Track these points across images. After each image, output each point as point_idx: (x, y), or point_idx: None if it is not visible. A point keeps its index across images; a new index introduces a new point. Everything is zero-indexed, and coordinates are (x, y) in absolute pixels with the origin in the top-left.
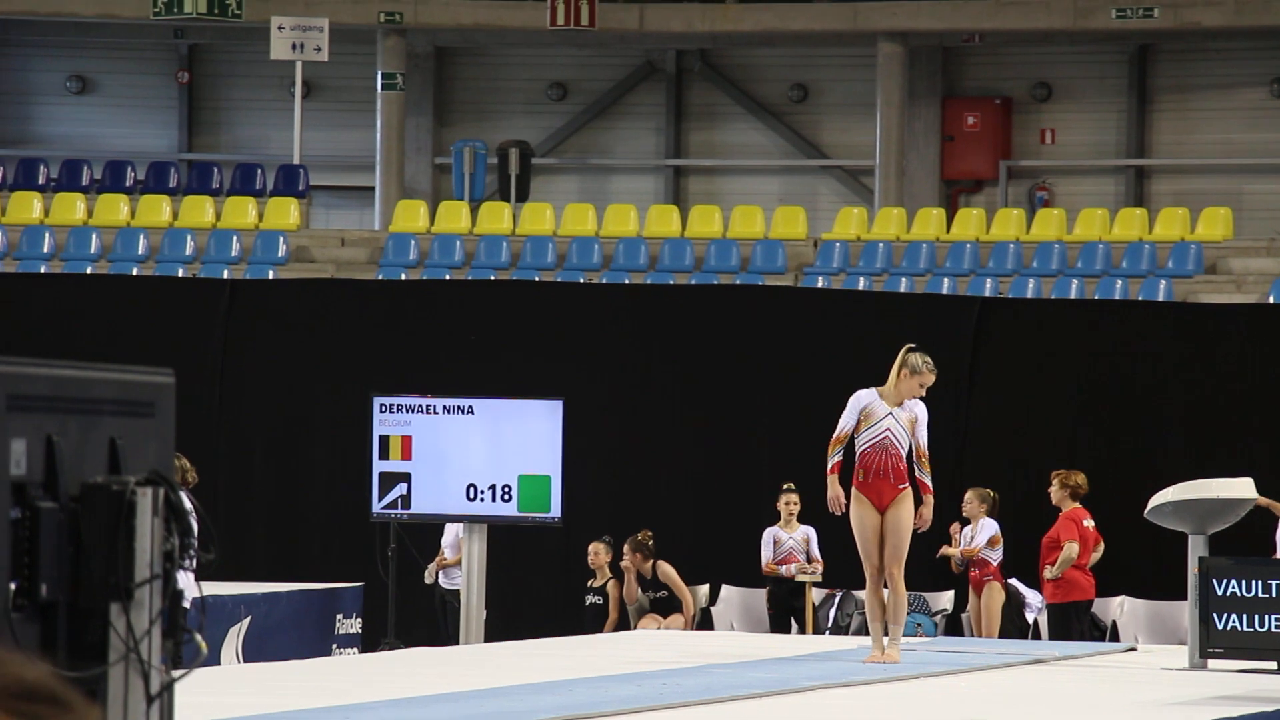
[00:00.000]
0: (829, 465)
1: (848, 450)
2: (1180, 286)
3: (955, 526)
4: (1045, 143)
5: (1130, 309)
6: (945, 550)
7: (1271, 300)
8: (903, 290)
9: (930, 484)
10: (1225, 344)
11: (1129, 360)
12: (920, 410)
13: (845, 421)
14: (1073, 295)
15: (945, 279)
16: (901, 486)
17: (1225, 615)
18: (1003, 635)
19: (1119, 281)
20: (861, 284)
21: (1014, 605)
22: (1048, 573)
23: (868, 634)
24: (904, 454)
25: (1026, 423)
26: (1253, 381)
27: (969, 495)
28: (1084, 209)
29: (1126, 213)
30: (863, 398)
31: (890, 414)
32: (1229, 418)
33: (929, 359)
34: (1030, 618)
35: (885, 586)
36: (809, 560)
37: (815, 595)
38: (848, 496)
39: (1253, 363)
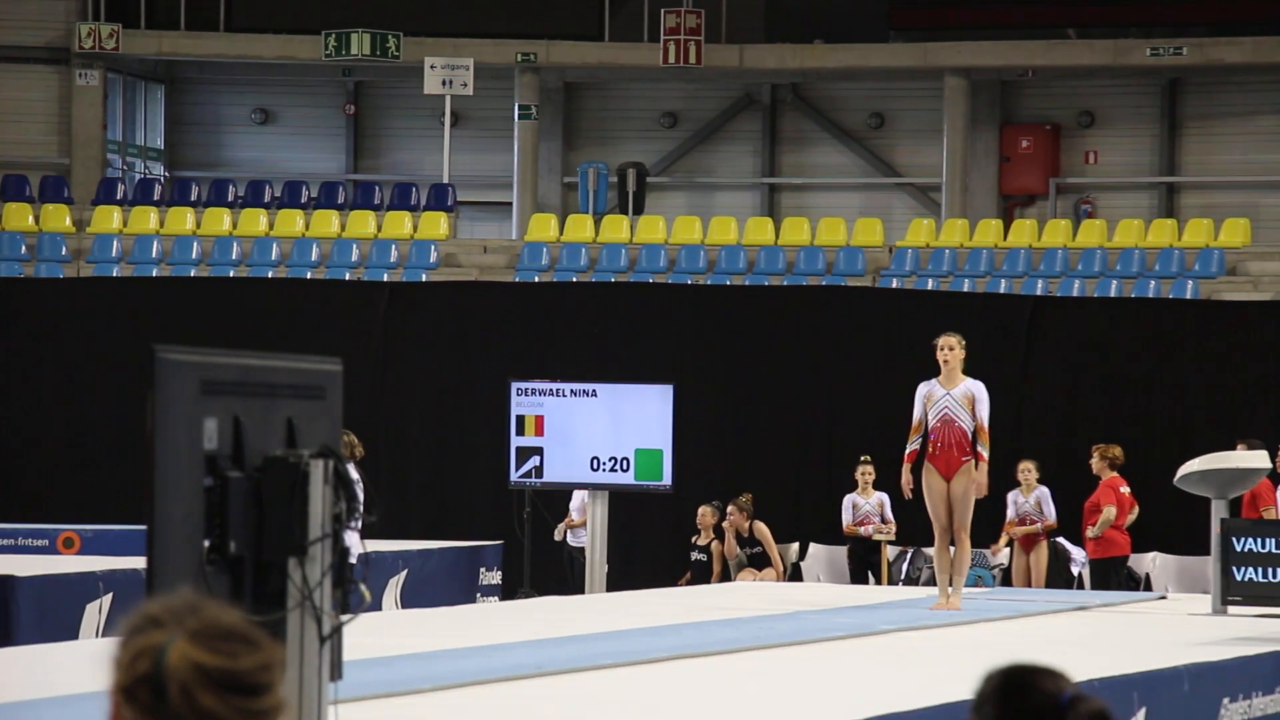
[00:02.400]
0: (906, 452)
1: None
2: (1205, 286)
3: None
4: (1089, 163)
5: (1162, 306)
6: (1012, 530)
7: None
8: (965, 290)
9: (986, 456)
10: (1244, 336)
11: (1160, 349)
12: (978, 390)
13: (916, 413)
14: (1112, 294)
15: (1002, 280)
16: (965, 458)
17: (1243, 568)
18: (1050, 586)
19: (1152, 282)
20: (930, 285)
21: (1060, 560)
22: (1089, 532)
23: (935, 585)
24: (967, 429)
25: (1072, 403)
26: (1267, 368)
27: (1025, 465)
28: (1122, 220)
29: (1159, 223)
30: (923, 388)
31: (947, 394)
32: (1247, 398)
33: (944, 335)
34: (1075, 571)
35: (952, 545)
36: (883, 522)
37: (889, 552)
38: (917, 481)
39: (1267, 352)
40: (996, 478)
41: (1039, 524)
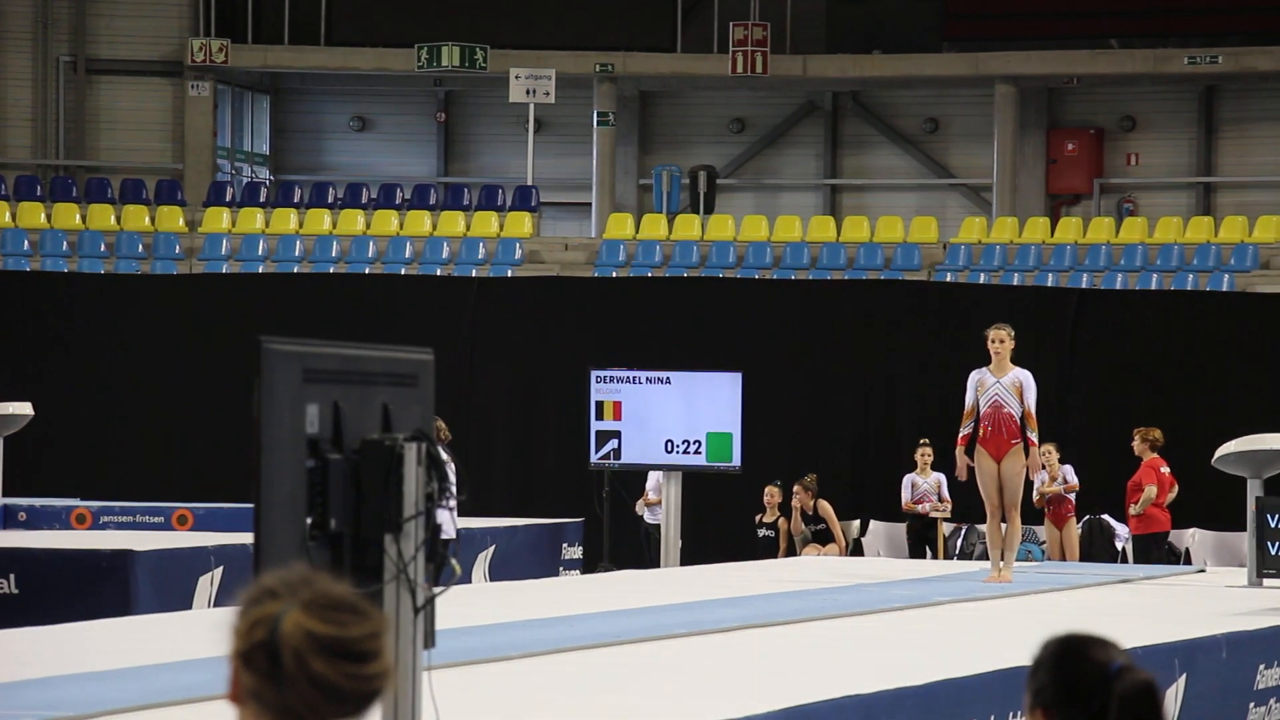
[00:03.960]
0: (959, 435)
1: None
2: (1240, 279)
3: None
4: (1130, 164)
5: (1199, 298)
6: (1041, 489)
7: None
8: (1015, 284)
9: (1036, 440)
10: (1277, 325)
11: (1198, 338)
12: (1025, 379)
13: (969, 399)
14: (1153, 287)
15: (1050, 275)
16: (1014, 441)
17: (1277, 543)
18: (1095, 560)
19: (1190, 276)
20: (982, 279)
21: (1105, 536)
22: (1132, 510)
23: (988, 559)
24: (1015, 415)
25: (1115, 388)
26: None
27: (1045, 449)
28: (1161, 218)
29: (1196, 220)
30: (974, 375)
31: (997, 382)
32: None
33: (995, 326)
34: (1119, 546)
35: (1004, 522)
36: (940, 500)
37: (945, 529)
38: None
39: None
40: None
41: (1063, 487)
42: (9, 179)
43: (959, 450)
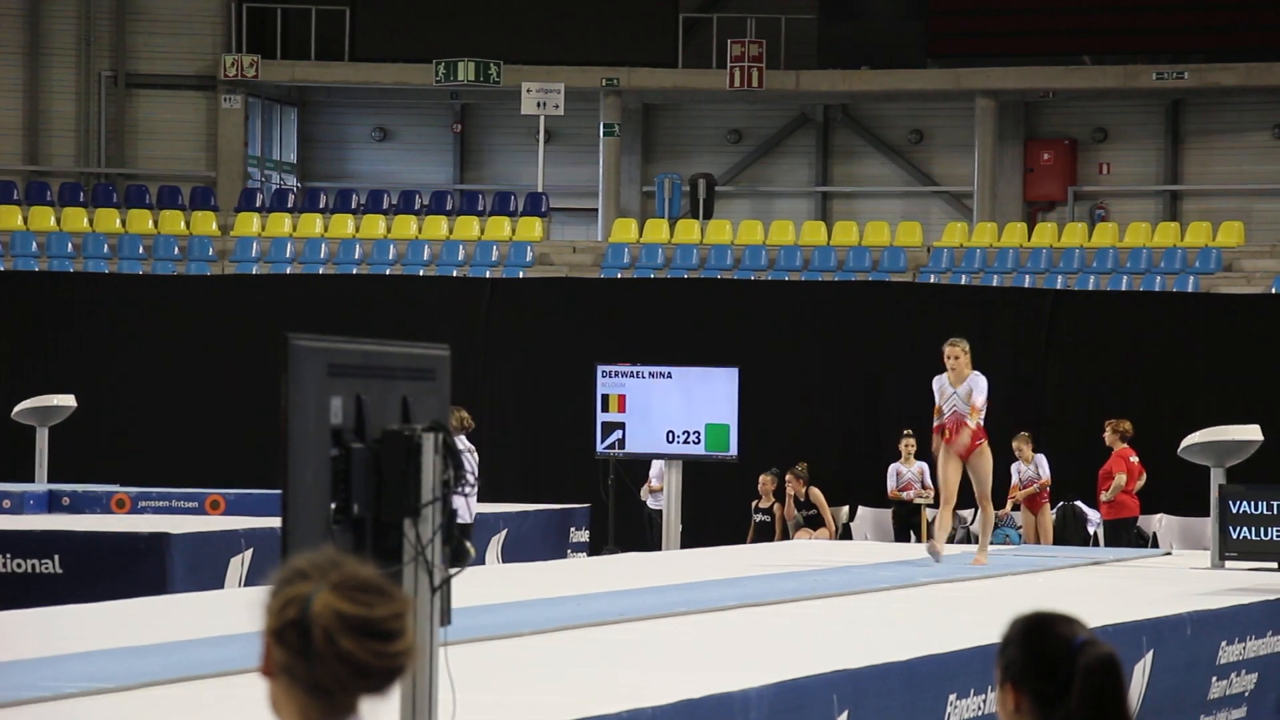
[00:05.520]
0: (934, 426)
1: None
2: (1205, 281)
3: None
4: (1102, 173)
5: (1167, 299)
6: (1016, 494)
7: (1274, 291)
8: (994, 285)
9: (977, 428)
10: (1239, 324)
11: (1166, 336)
12: (975, 384)
13: (937, 398)
14: (1123, 288)
15: (1027, 276)
16: (978, 442)
17: (1239, 528)
18: (1069, 544)
19: (1158, 278)
20: (963, 280)
21: (1078, 521)
22: (1103, 497)
23: (969, 543)
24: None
25: (1088, 383)
26: (1261, 353)
27: (1019, 442)
28: (1131, 223)
29: (1164, 226)
30: (938, 380)
31: (954, 393)
32: (1242, 379)
33: (950, 341)
34: (1091, 530)
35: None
36: (923, 488)
37: (928, 514)
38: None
39: (1260, 338)
40: (1004, 448)
41: (1036, 484)
42: (54, 186)
43: (935, 438)
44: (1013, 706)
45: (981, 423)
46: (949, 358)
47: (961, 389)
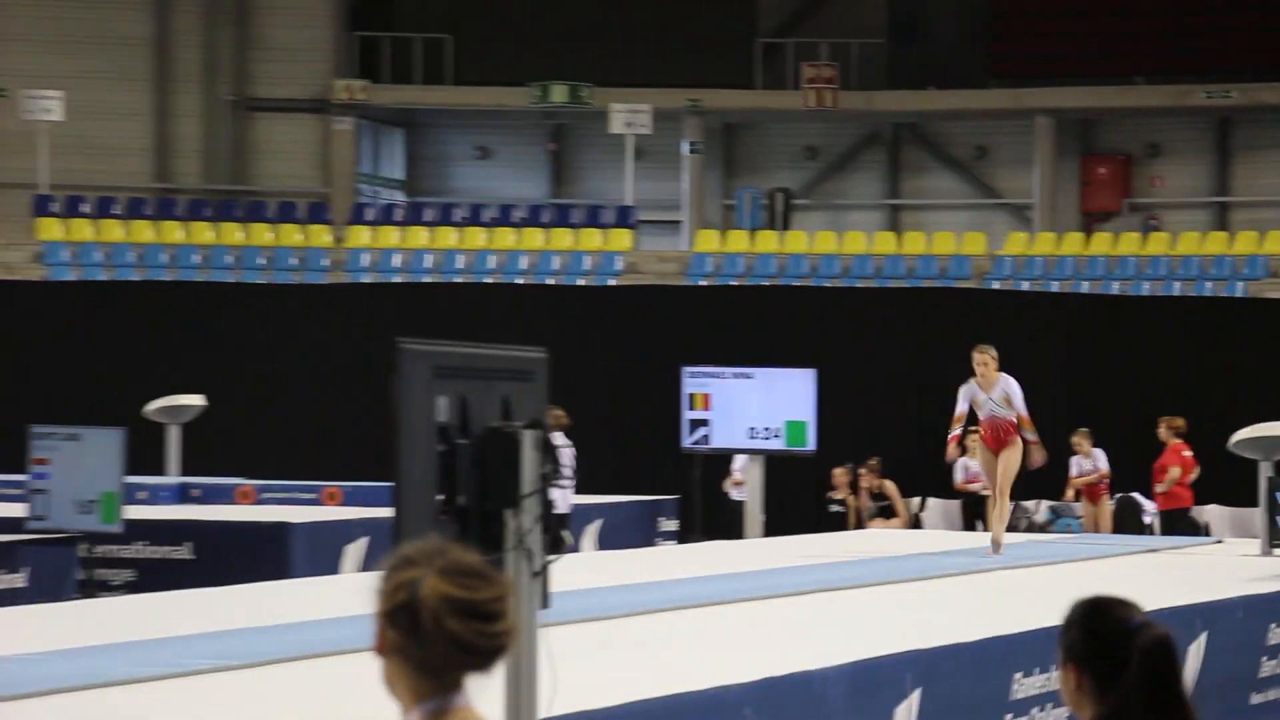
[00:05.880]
0: (949, 437)
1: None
2: (1252, 287)
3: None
4: (1155, 186)
5: (1216, 303)
6: (1075, 484)
7: None
8: (1054, 291)
9: (1036, 438)
10: None
11: (1216, 338)
12: (1011, 388)
13: (959, 407)
14: (1175, 294)
15: (1084, 283)
16: (1010, 440)
17: None
18: (1126, 533)
19: (1208, 284)
20: (1024, 286)
21: (1134, 512)
22: (1158, 489)
23: (1033, 533)
24: (1011, 420)
25: (1143, 382)
26: None
27: (1078, 437)
28: (1183, 233)
29: (1213, 235)
30: (965, 389)
31: (989, 398)
32: None
33: (979, 348)
34: (1146, 521)
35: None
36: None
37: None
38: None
39: None
40: (1064, 445)
41: (1096, 475)
42: (182, 202)
43: (950, 447)
44: (1074, 685)
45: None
46: (979, 364)
47: (996, 393)
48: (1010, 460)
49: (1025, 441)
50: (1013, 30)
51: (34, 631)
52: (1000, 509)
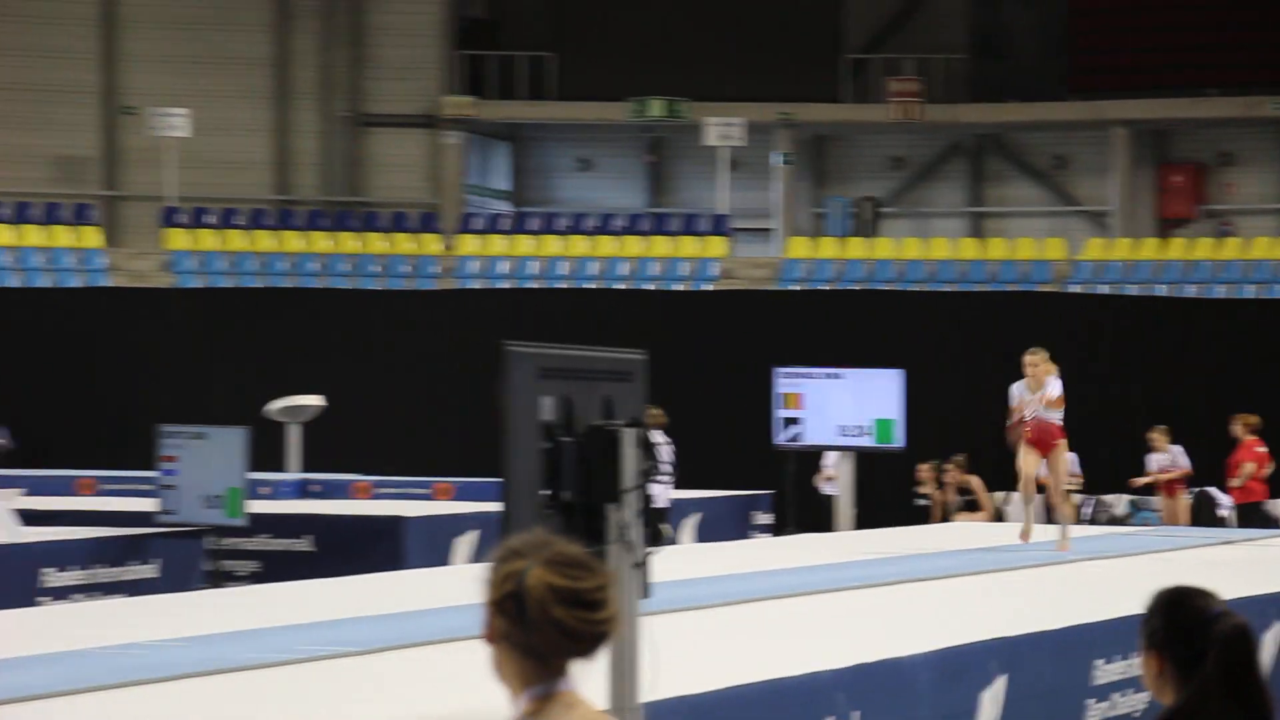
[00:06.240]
0: (1009, 425)
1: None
2: None
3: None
4: (1228, 193)
5: None
6: (1154, 478)
7: None
8: (1131, 294)
9: (1059, 427)
10: None
11: None
12: (1053, 387)
13: (1013, 402)
14: (1249, 296)
15: (1160, 286)
16: (1056, 442)
17: None
18: (1203, 526)
19: (1278, 287)
20: (1102, 290)
21: (1211, 505)
22: (1233, 483)
23: (1113, 526)
24: (1056, 422)
25: (1219, 380)
26: None
27: (1155, 434)
28: (1256, 238)
29: None
30: (1015, 389)
31: (1035, 398)
32: None
33: (1030, 350)
34: (1222, 514)
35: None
36: (1071, 476)
37: (1076, 499)
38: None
39: None
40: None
41: (1176, 471)
42: (300, 213)
43: (1009, 436)
44: (1156, 671)
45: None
46: (1028, 365)
47: (1041, 393)
48: (1059, 463)
49: (1050, 428)
50: (1090, 45)
51: (165, 620)
52: (1061, 510)
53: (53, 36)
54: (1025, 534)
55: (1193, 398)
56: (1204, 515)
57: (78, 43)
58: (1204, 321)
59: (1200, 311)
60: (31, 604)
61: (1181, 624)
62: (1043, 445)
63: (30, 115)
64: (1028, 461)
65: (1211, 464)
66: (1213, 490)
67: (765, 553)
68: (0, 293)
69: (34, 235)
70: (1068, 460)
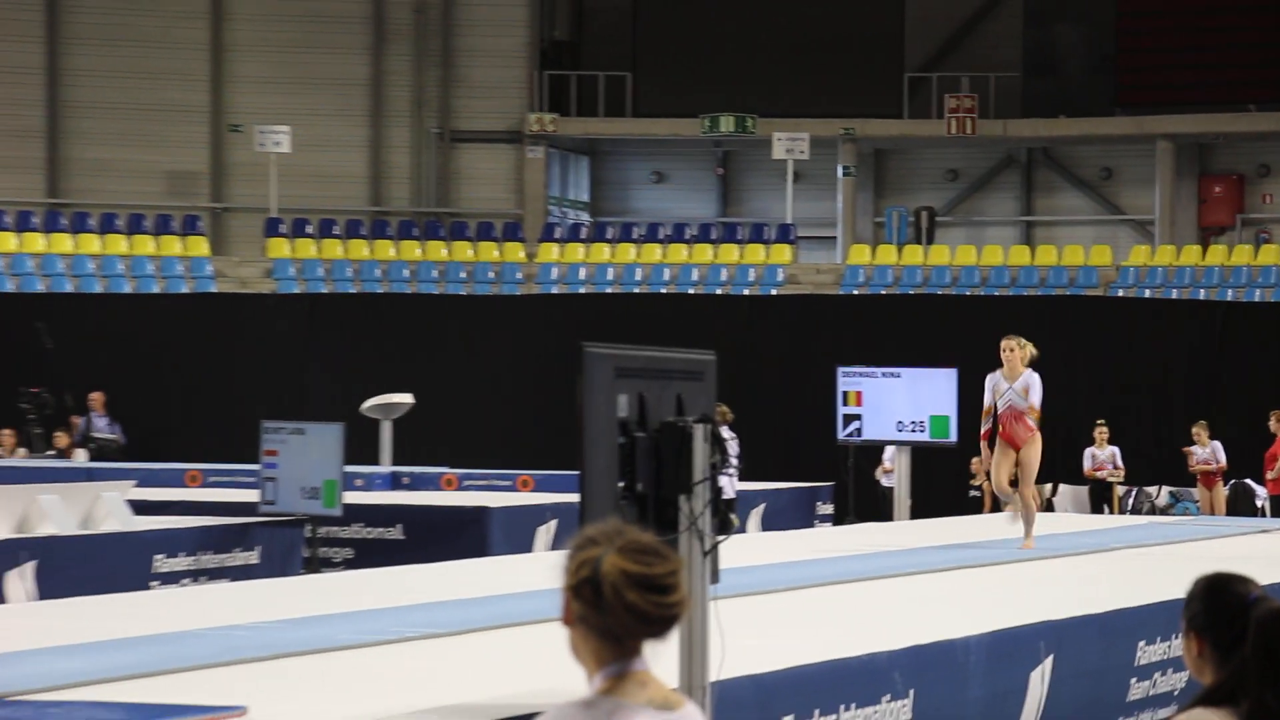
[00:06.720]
0: (981, 432)
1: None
2: None
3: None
4: (1266, 203)
5: None
6: (1196, 468)
7: None
8: (1173, 298)
9: (1036, 428)
10: None
11: None
12: (1032, 380)
13: (987, 400)
14: None
15: (1201, 290)
16: (1028, 435)
17: None
18: (1240, 516)
19: None
20: (1146, 294)
21: (1247, 497)
22: (1270, 475)
23: (1155, 515)
24: (1026, 413)
25: (1256, 379)
26: None
27: (1197, 428)
28: None
29: None
30: (990, 379)
31: (1010, 387)
32: None
33: (1007, 337)
34: (1258, 504)
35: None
36: (1115, 468)
37: (1119, 490)
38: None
39: None
40: (1180, 434)
41: (1215, 465)
42: (393, 223)
43: (983, 444)
44: (1196, 652)
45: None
46: (1005, 350)
47: (1018, 384)
48: (1030, 458)
49: (1020, 422)
50: (1136, 64)
51: (267, 603)
52: (1026, 508)
53: (168, 61)
54: (1027, 535)
55: (1232, 394)
56: (1241, 506)
57: (190, 66)
58: (1242, 323)
59: (1238, 314)
60: (144, 588)
61: (1221, 608)
62: (1014, 440)
63: (146, 133)
64: (1000, 470)
65: (1249, 457)
66: (1250, 482)
67: (827, 541)
68: (115, 299)
69: (146, 245)
70: (1038, 456)
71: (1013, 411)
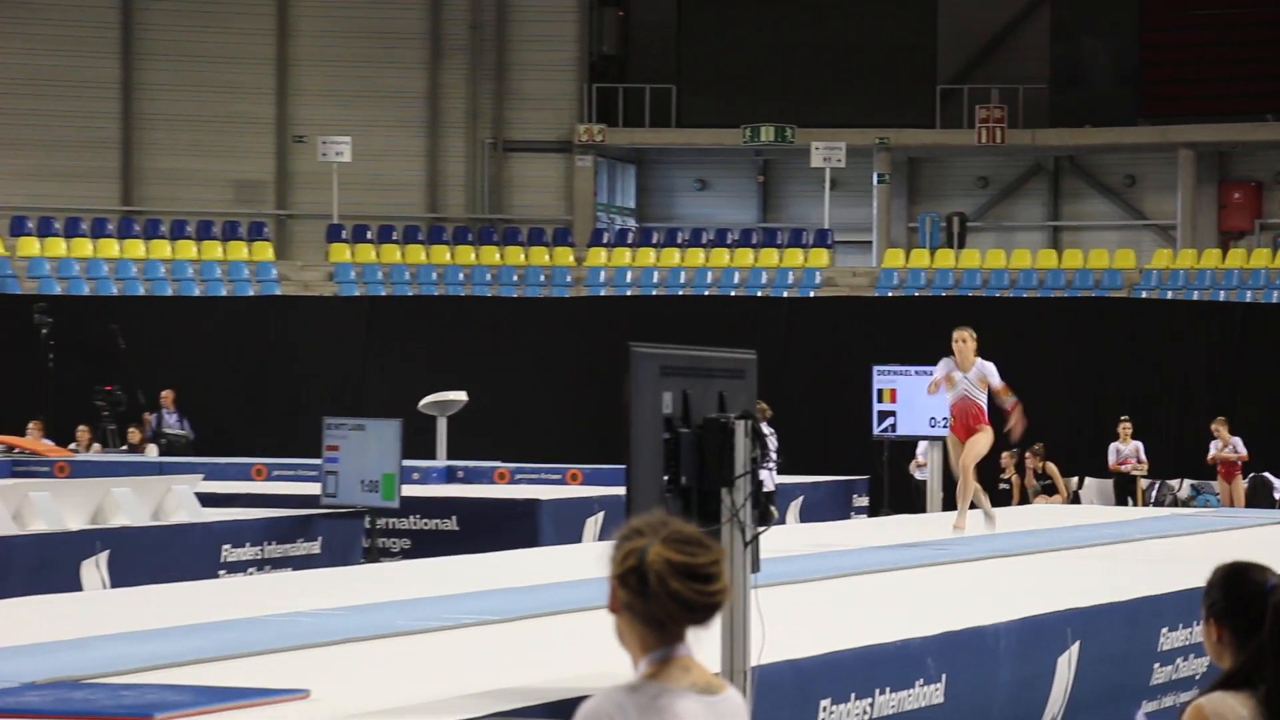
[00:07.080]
0: (930, 382)
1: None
2: None
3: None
4: None
5: None
6: (1215, 459)
7: None
8: (1194, 299)
9: (1015, 399)
10: None
11: None
12: (987, 368)
13: (937, 373)
14: None
15: (1221, 292)
16: (978, 426)
17: None
18: (1258, 508)
19: None
20: (1168, 296)
21: (1266, 489)
22: None
23: (1177, 507)
24: (981, 403)
25: (1274, 376)
26: None
27: (1216, 424)
28: None
29: None
30: (946, 364)
31: (965, 377)
32: None
33: (959, 327)
34: (1277, 496)
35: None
36: (1139, 462)
37: (1143, 483)
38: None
39: None
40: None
41: (1236, 458)
42: (449, 229)
43: (950, 436)
44: (1216, 638)
45: (985, 407)
46: (957, 341)
47: (972, 374)
48: (977, 443)
49: (1005, 412)
50: (1159, 76)
51: (328, 591)
52: (964, 488)
53: (236, 75)
54: (961, 526)
55: (1251, 391)
56: (1260, 498)
57: (257, 81)
58: (1260, 323)
59: (1256, 314)
60: (213, 576)
61: (1240, 595)
62: (966, 433)
63: (214, 144)
64: (957, 448)
65: (1267, 451)
66: (1268, 475)
67: (862, 532)
68: (185, 301)
69: (214, 250)
70: (988, 442)
71: (965, 401)
